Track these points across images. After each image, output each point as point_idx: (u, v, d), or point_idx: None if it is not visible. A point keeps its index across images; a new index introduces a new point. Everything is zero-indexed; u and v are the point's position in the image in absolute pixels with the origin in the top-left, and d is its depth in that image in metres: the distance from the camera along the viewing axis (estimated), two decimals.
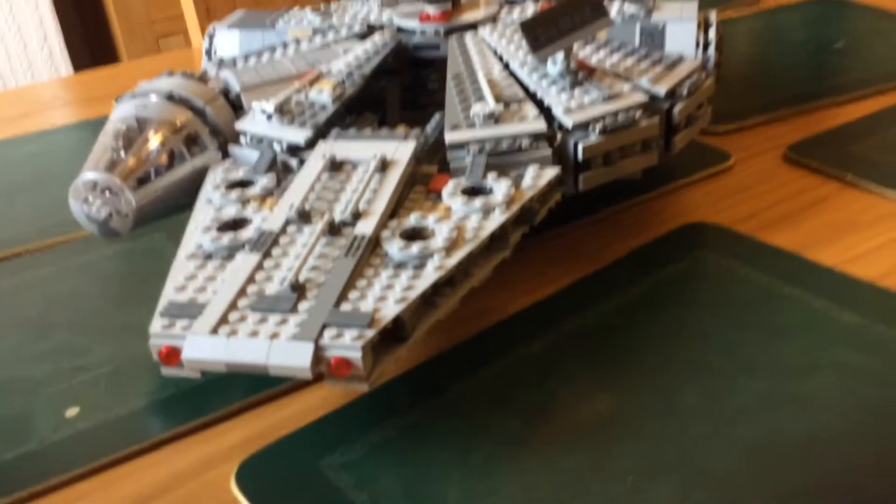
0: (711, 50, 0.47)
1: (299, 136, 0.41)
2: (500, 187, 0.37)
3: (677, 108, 0.42)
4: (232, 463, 0.33)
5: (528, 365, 0.36)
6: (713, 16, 0.48)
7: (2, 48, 1.64)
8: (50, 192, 0.55)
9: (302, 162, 0.40)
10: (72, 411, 0.36)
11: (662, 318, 0.39)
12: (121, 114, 0.43)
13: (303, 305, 0.32)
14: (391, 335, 0.32)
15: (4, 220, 0.52)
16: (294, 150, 0.41)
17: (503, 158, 0.39)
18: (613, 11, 0.49)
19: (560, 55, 0.42)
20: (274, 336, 0.30)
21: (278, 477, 0.32)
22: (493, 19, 0.50)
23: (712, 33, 0.47)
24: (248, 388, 0.36)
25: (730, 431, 0.32)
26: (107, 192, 0.39)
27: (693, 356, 0.36)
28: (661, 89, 0.42)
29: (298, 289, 0.32)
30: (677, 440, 0.32)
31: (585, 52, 0.46)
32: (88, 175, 0.39)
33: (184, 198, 0.42)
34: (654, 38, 0.47)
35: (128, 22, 1.74)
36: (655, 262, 0.43)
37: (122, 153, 0.41)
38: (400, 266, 0.33)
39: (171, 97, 0.43)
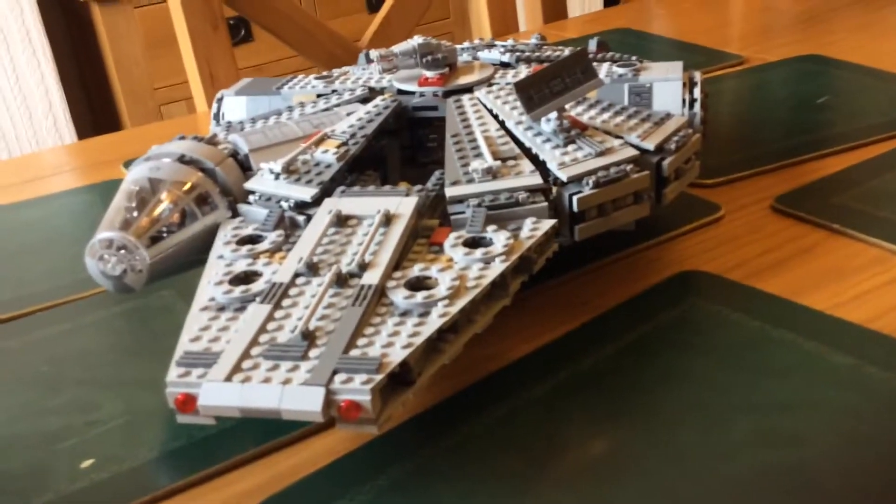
0: (697, 107, 0.49)
1: (306, 193, 0.43)
2: (499, 238, 0.39)
3: (666, 162, 0.44)
4: None
5: (530, 408, 0.37)
6: (697, 76, 0.50)
7: (7, 117, 1.68)
8: (59, 253, 0.56)
9: (309, 218, 0.42)
10: (86, 463, 0.37)
11: (658, 362, 0.40)
12: (134, 176, 0.45)
13: (313, 352, 0.33)
14: (398, 379, 0.33)
15: (16, 281, 0.53)
16: (301, 206, 0.43)
17: (501, 212, 0.41)
18: (602, 73, 0.51)
19: (553, 114, 0.44)
20: (286, 382, 0.32)
21: None
22: (489, 82, 0.52)
23: (697, 92, 0.49)
24: (258, 436, 0.37)
25: (725, 467, 0.33)
26: (122, 250, 0.41)
27: (688, 397, 0.37)
28: (651, 144, 0.44)
29: (309, 337, 0.33)
30: (675, 477, 0.33)
31: (577, 110, 0.48)
32: (104, 234, 0.41)
33: (195, 255, 0.43)
34: (641, 97, 0.50)
35: (131, 91, 1.78)
36: (650, 309, 0.44)
37: (136, 213, 0.42)
38: (405, 314, 0.35)
39: (182, 159, 0.45)
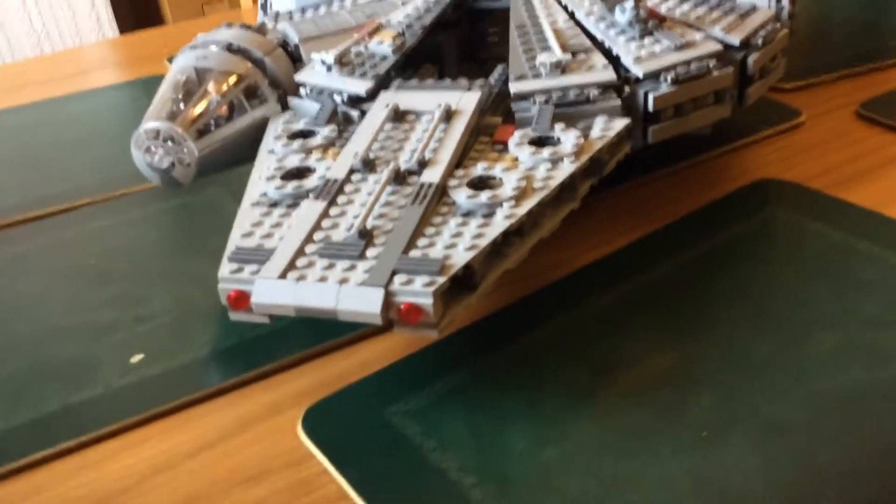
0: (785, 0, 0.45)
1: (360, 86, 0.40)
2: (568, 138, 0.36)
3: (752, 59, 0.40)
4: (298, 409, 0.33)
5: (597, 318, 0.35)
6: None
7: (50, 14, 1.66)
8: (105, 147, 0.55)
9: (363, 113, 0.40)
10: (136, 358, 0.36)
11: (733, 273, 0.37)
12: (180, 64, 0.43)
13: (371, 252, 0.31)
14: (460, 283, 0.31)
15: (64, 174, 0.52)
16: (355, 101, 0.40)
17: (570, 109, 0.38)
18: None
19: (629, 3, 0.40)
20: (343, 281, 0.30)
21: (344, 423, 0.32)
22: None
23: None
24: (310, 338, 0.36)
25: (803, 384, 0.31)
26: (169, 142, 0.39)
27: (764, 310, 0.35)
28: (735, 39, 0.40)
29: (366, 235, 0.32)
30: (749, 393, 0.31)
31: (655, 0, 0.44)
32: (150, 124, 0.39)
33: (244, 150, 0.41)
34: None
35: None
36: (725, 218, 0.41)
37: (183, 104, 0.40)
38: (468, 214, 0.33)
39: (230, 48, 0.43)
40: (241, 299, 0.31)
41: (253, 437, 0.32)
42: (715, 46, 0.39)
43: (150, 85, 0.64)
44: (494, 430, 0.30)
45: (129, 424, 0.33)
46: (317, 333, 0.36)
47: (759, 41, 0.41)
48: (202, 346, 0.36)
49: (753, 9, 0.43)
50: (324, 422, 0.32)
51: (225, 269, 0.31)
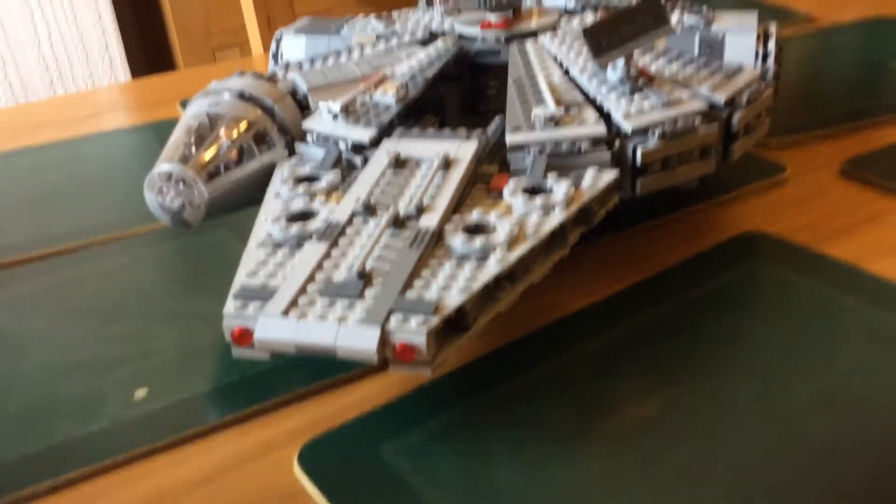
0: (770, 61, 0.47)
1: (364, 134, 0.42)
2: (559, 187, 0.38)
3: (736, 117, 0.43)
4: (294, 446, 0.34)
5: (585, 362, 0.37)
6: (773, 27, 0.48)
7: (64, 56, 1.70)
8: (116, 188, 0.57)
9: (366, 160, 0.42)
10: (140, 392, 0.37)
11: (718, 323, 0.39)
12: (194, 110, 0.45)
13: (369, 292, 0.33)
14: (454, 324, 0.32)
15: (75, 214, 0.54)
16: (358, 148, 0.42)
17: (563, 160, 0.40)
18: (673, 21, 0.49)
19: (620, 61, 0.42)
20: (342, 320, 0.31)
21: (339, 460, 0.33)
22: (553, 28, 0.51)
23: (771, 45, 0.47)
24: (308, 376, 0.37)
25: (785, 432, 0.32)
26: (180, 184, 0.41)
27: (748, 359, 0.36)
28: (721, 97, 0.43)
29: (365, 276, 0.33)
30: (731, 439, 0.32)
31: (645, 60, 0.46)
32: (163, 167, 0.41)
33: (252, 192, 0.43)
34: (713, 48, 0.48)
35: (186, 34, 1.79)
36: (712, 268, 0.43)
37: (195, 148, 0.42)
38: (463, 258, 0.34)
39: (242, 95, 0.45)
40: (244, 336, 0.32)
41: (250, 472, 0.33)
42: (701, 104, 0.42)
43: (161, 128, 0.66)
44: (484, 469, 0.32)
45: (129, 458, 0.34)
46: (314, 372, 0.37)
47: (744, 100, 0.43)
48: (204, 381, 0.38)
49: (739, 69, 0.45)
50: (319, 459, 0.33)
51: (230, 306, 0.33)
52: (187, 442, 0.35)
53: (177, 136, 0.43)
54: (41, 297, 0.45)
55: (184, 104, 0.70)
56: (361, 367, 0.37)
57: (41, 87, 1.69)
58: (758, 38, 0.47)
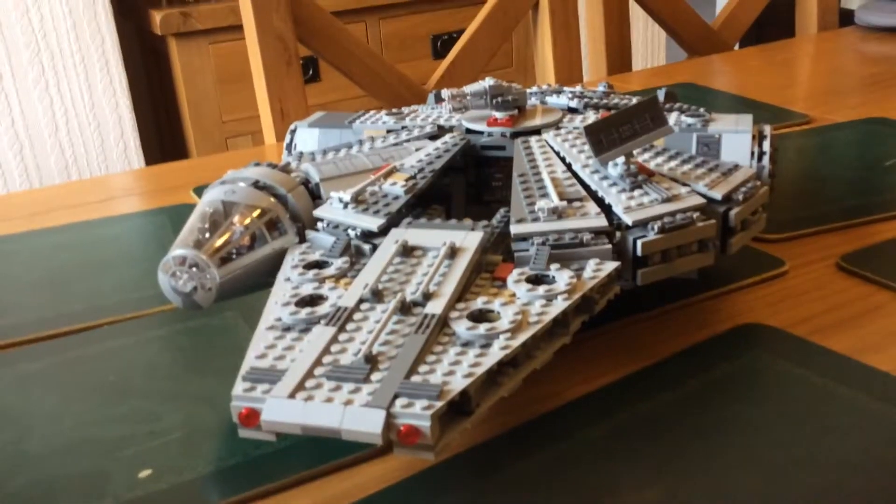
0: (766, 160, 0.49)
1: (373, 223, 0.44)
2: (562, 277, 0.39)
3: (733, 212, 0.44)
4: None
5: (585, 450, 0.37)
6: (767, 129, 0.50)
7: (80, 142, 1.74)
8: (128, 270, 0.58)
9: (374, 247, 0.43)
10: (144, 473, 0.38)
11: (717, 412, 0.39)
12: (209, 198, 0.46)
13: (375, 376, 0.33)
14: (457, 408, 0.33)
15: (86, 294, 0.55)
16: (367, 236, 0.44)
17: (565, 251, 0.41)
18: (671, 122, 0.52)
19: (621, 159, 0.44)
20: (348, 403, 0.32)
21: None
22: (557, 125, 0.53)
23: (766, 145, 0.49)
24: (312, 458, 0.38)
25: None
26: (194, 268, 0.42)
27: (748, 449, 0.37)
28: (718, 194, 0.44)
29: (371, 360, 0.34)
30: None
31: (644, 157, 0.48)
32: (178, 251, 0.43)
33: (262, 277, 0.44)
34: (710, 147, 0.50)
35: (200, 122, 1.84)
36: (711, 359, 0.44)
37: (209, 234, 0.44)
38: (467, 345, 0.35)
39: (256, 184, 0.47)
40: (251, 417, 0.33)
41: None
42: (699, 200, 0.43)
43: (174, 213, 0.68)
44: None
45: None
46: (318, 454, 0.38)
47: (741, 196, 0.45)
48: (208, 462, 0.38)
49: (736, 167, 0.47)
50: None
51: (238, 387, 0.34)
52: None
53: (192, 223, 0.45)
54: (50, 375, 0.46)
55: (197, 191, 0.72)
56: (365, 449, 0.38)
57: (56, 172, 1.73)
58: (753, 138, 0.49)
